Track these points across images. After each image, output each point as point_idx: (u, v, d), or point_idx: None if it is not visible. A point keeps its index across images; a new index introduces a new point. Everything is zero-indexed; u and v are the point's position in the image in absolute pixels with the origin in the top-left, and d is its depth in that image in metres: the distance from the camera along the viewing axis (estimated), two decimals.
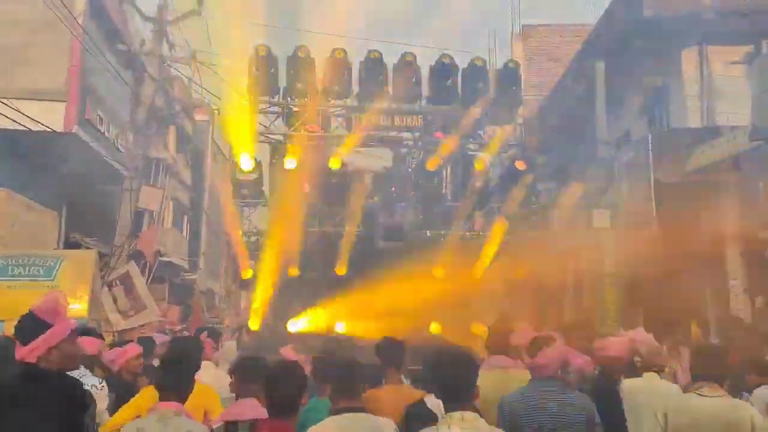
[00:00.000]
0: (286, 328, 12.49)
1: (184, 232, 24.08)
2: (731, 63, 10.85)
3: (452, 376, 2.71)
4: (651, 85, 11.72)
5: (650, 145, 9.72)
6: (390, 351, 4.22)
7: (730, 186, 9.45)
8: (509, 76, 13.13)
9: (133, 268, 7.31)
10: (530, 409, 3.18)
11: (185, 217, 23.89)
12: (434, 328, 12.87)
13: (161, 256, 18.96)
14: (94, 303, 5.93)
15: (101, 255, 7.46)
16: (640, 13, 10.60)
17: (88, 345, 4.28)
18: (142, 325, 6.88)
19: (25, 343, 2.71)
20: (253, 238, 13.21)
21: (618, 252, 9.50)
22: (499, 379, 3.77)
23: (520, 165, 12.70)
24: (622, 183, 10.43)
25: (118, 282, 7.17)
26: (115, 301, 6.97)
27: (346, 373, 3.21)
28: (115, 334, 6.91)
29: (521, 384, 3.48)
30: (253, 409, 3.17)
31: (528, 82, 21.91)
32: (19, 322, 2.77)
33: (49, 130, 10.49)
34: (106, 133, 12.38)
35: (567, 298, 13.36)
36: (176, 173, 21.30)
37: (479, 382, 2.75)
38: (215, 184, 27.83)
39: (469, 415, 2.59)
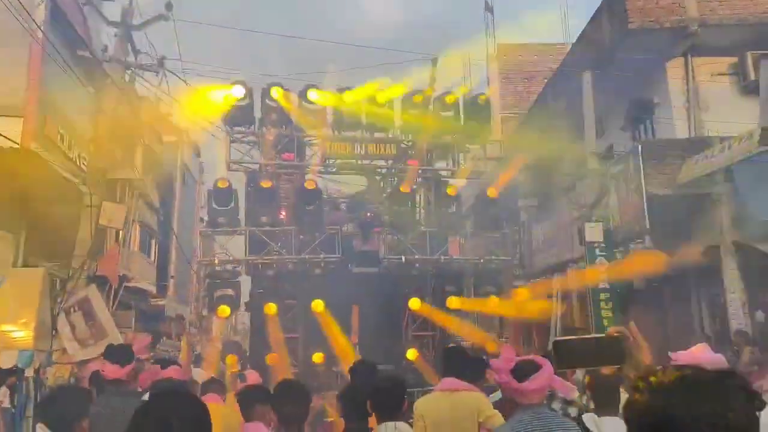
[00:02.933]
0: (261, 355, 11.92)
1: (152, 257, 23.09)
2: (717, 74, 10.75)
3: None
4: (636, 98, 11.54)
5: (641, 156, 9.43)
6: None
7: (723, 197, 9.22)
8: (479, 107, 13.39)
9: (93, 292, 6.57)
10: None
11: (153, 241, 22.94)
12: (411, 354, 12.53)
13: (127, 281, 18.05)
14: (43, 330, 5.19)
15: (59, 279, 6.76)
16: (625, 25, 10.44)
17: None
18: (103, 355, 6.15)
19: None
20: (229, 266, 12.82)
21: (612, 266, 9.13)
22: (443, 400, 4.12)
23: (491, 192, 12.74)
24: (612, 196, 10.13)
25: (76, 307, 6.43)
26: (73, 328, 6.23)
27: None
28: (74, 366, 6.17)
29: (467, 406, 3.99)
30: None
31: (504, 101, 21.91)
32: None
33: (2, 147, 9.70)
34: (68, 152, 11.62)
35: (555, 317, 12.96)
36: (144, 195, 20.46)
37: (427, 403, 3.55)
38: (185, 207, 26.97)
39: (401, 425, 3.23)
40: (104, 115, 7.87)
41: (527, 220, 16.72)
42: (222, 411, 4.25)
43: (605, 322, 8.93)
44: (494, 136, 21.06)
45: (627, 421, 1.18)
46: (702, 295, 9.80)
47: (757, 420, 1.13)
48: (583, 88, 10.71)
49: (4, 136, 9.73)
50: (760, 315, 8.70)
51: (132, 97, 8.05)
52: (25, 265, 13.16)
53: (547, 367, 3.08)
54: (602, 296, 9.00)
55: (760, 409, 1.15)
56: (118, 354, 4.25)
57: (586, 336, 1.66)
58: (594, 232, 8.97)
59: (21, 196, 12.46)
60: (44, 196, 12.13)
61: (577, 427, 3.19)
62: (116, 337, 6.40)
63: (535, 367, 3.08)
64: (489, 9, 21.73)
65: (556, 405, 3.92)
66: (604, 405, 3.64)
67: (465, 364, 4.41)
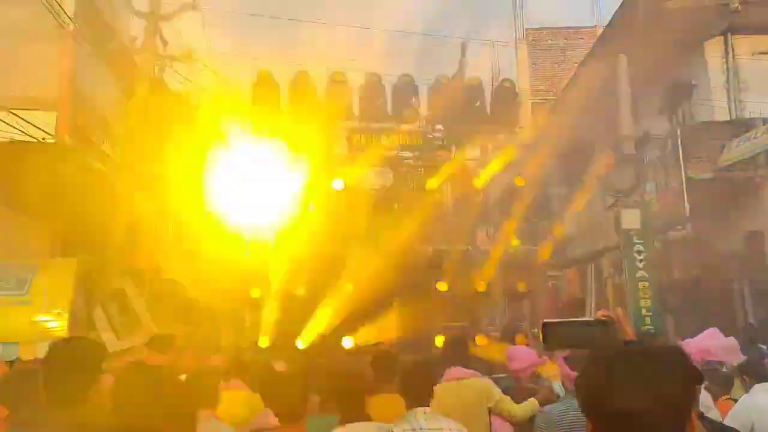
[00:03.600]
0: (295, 345, 12.06)
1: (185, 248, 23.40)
2: (758, 53, 10.31)
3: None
4: (673, 80, 11.15)
5: (680, 139, 9.11)
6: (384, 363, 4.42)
7: (766, 180, 8.86)
8: (505, 93, 13.04)
9: (128, 284, 6.64)
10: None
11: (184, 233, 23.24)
12: (439, 341, 12.55)
13: (161, 273, 18.29)
14: (78, 321, 5.21)
15: (95, 271, 6.85)
16: (661, 3, 10.06)
17: None
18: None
19: None
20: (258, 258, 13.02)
21: (650, 253, 8.86)
22: (450, 389, 4.22)
23: (519, 181, 12.66)
24: (649, 182, 9.82)
25: (111, 298, 6.50)
26: (109, 319, 6.30)
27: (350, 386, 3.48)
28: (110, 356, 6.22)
29: (475, 392, 4.28)
30: (268, 418, 3.39)
31: (534, 87, 21.51)
32: None
33: (37, 140, 9.86)
34: (102, 145, 11.76)
35: (589, 307, 12.71)
36: (175, 186, 20.67)
37: (437, 391, 3.43)
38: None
39: (428, 410, 3.32)
40: (135, 107, 7.91)
41: (559, 208, 16.40)
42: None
43: (643, 311, 8.67)
44: (524, 122, 20.78)
45: (577, 388, 1.28)
46: (745, 282, 9.45)
47: (693, 391, 1.26)
48: (617, 71, 10.37)
49: (41, 129, 9.90)
50: None
51: (163, 89, 8.09)
52: (61, 257, 13.47)
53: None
54: (641, 285, 8.72)
55: (698, 383, 1.30)
56: (160, 343, 4.68)
57: (575, 319, 1.74)
58: (631, 219, 8.69)
59: (56, 188, 12.73)
60: (79, 188, 12.34)
61: None
62: (150, 329, 6.46)
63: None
64: None
65: None
66: None
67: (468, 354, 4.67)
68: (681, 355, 1.26)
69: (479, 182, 13.26)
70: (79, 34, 9.72)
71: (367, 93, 12.53)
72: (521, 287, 13.14)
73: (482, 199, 14.01)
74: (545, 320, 1.70)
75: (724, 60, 10.31)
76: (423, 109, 13.06)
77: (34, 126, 9.85)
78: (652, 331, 8.28)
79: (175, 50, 8.16)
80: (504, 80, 13.61)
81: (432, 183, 12.78)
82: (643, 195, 9.80)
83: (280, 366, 5.15)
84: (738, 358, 4.21)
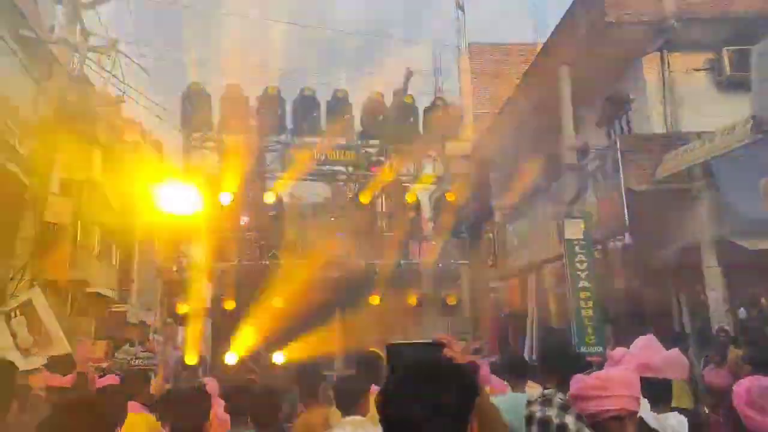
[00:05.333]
0: (223, 360, 11.67)
1: (113, 261, 22.13)
2: (693, 70, 10.63)
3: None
4: (611, 93, 11.35)
5: (619, 151, 9.20)
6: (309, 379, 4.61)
7: (702, 193, 9.05)
8: (437, 111, 13.80)
9: (36, 296, 5.94)
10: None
11: (114, 245, 21.97)
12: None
13: (86, 286, 17.14)
14: None
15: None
16: (602, 19, 10.22)
17: None
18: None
19: None
20: (188, 273, 12.64)
21: (591, 263, 8.87)
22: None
23: (449, 197, 13.22)
24: (590, 192, 9.88)
25: (17, 312, 5.79)
26: (14, 335, 5.60)
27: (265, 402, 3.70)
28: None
29: None
30: None
31: (476, 100, 21.71)
32: None
33: None
34: (16, 144, 10.84)
35: (531, 317, 12.71)
36: (103, 196, 19.54)
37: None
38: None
39: (359, 419, 3.37)
40: (51, 102, 7.22)
41: (501, 221, 16.47)
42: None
43: (585, 321, 8.65)
44: (465, 135, 20.93)
45: (376, 403, 1.46)
46: (682, 293, 9.61)
47: (469, 402, 1.44)
48: (559, 81, 10.46)
49: None
50: (742, 312, 8.53)
51: (82, 83, 7.44)
52: None
53: (484, 366, 3.60)
54: (582, 295, 8.71)
55: (475, 394, 1.47)
56: (60, 365, 4.50)
57: (417, 341, 1.84)
58: (574, 229, 8.69)
59: None
60: None
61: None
62: (63, 345, 5.80)
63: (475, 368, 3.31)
64: (460, 7, 21.52)
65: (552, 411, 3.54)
66: None
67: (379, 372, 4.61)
68: (460, 373, 1.50)
69: (411, 197, 13.45)
70: None
71: (301, 107, 12.65)
72: (450, 300, 13.46)
73: (414, 214, 14.26)
74: (388, 343, 1.79)
75: (661, 75, 10.56)
76: (357, 124, 13.28)
77: None
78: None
79: (97, 41, 7.53)
80: (437, 98, 13.97)
81: (365, 197, 12.88)
82: (584, 205, 9.85)
83: (210, 382, 5.03)
84: (684, 374, 3.91)
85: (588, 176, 9.86)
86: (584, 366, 3.75)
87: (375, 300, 12.73)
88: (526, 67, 15.36)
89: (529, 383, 4.23)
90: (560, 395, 3.42)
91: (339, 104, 12.85)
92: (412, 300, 13.17)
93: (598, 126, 11.94)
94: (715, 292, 8.63)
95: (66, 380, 4.08)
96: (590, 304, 8.67)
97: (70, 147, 13.79)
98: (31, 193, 7.02)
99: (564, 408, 3.43)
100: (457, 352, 1.77)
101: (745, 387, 2.33)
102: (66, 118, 7.42)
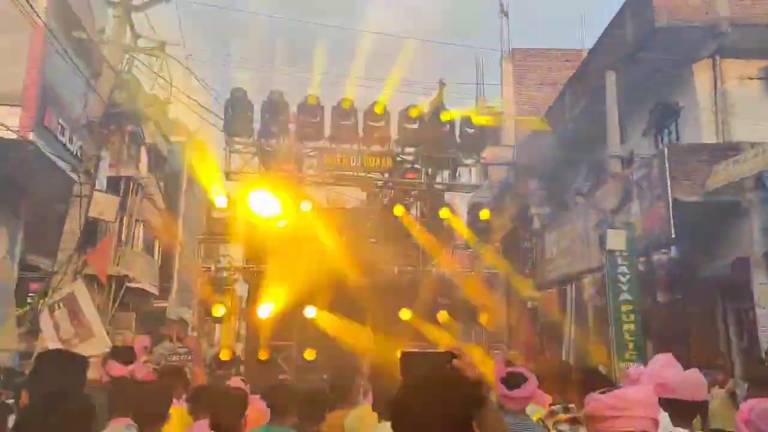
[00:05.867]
0: (257, 358, 11.90)
1: (156, 258, 22.69)
2: (746, 78, 10.22)
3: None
4: (660, 101, 11.01)
5: (667, 160, 8.90)
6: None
7: (753, 206, 8.67)
8: (472, 125, 13.53)
9: (79, 289, 6.09)
10: None
11: (157, 242, 22.53)
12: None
13: (129, 281, 17.62)
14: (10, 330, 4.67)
15: (47, 274, 6.32)
16: (651, 23, 9.93)
17: None
18: (89, 357, 5.64)
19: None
20: (225, 274, 13.00)
21: (634, 275, 8.59)
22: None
23: (483, 215, 13.08)
24: (635, 202, 9.59)
25: (60, 305, 5.95)
26: (57, 328, 5.76)
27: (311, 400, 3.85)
28: None
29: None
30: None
31: (518, 107, 21.45)
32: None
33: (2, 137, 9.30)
34: (68, 144, 11.23)
35: (568, 330, 12.41)
36: (148, 194, 20.08)
37: None
38: (190, 209, 26.61)
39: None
40: (100, 102, 7.43)
41: (540, 229, 16.18)
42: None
43: (626, 336, 8.37)
44: (507, 141, 20.68)
45: (391, 407, 1.62)
46: (729, 309, 9.22)
47: (469, 411, 1.57)
48: (605, 87, 10.19)
49: (5, 126, 9.34)
50: None
51: (131, 84, 7.64)
52: (22, 262, 12.78)
53: (533, 380, 3.47)
54: (624, 308, 8.44)
55: (476, 406, 1.62)
56: (122, 354, 4.79)
57: (431, 351, 1.97)
58: (617, 240, 8.43)
59: (19, 189, 12.09)
60: (42, 189, 11.73)
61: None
62: (103, 338, 5.93)
63: (524, 379, 3.45)
64: (504, 12, 21.32)
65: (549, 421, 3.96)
66: None
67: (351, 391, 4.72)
68: (465, 384, 1.67)
69: (445, 208, 13.53)
70: (47, 29, 9.23)
71: (339, 115, 12.92)
72: (482, 319, 13.35)
73: (449, 221, 14.25)
74: (403, 350, 1.88)
75: (713, 83, 10.19)
76: (393, 133, 13.50)
77: None
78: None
79: (146, 43, 7.73)
80: (472, 112, 13.93)
81: (398, 209, 13.10)
82: (627, 215, 9.56)
83: (235, 382, 5.13)
84: (703, 397, 3.62)
85: (632, 186, 9.57)
86: None
87: (406, 313, 12.61)
88: (571, 74, 15.09)
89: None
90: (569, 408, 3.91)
91: (376, 115, 13.16)
92: (443, 313, 12.95)
93: (645, 135, 11.61)
94: (765, 310, 8.24)
95: (128, 370, 4.43)
96: (632, 317, 8.39)
97: (118, 146, 14.24)
98: (77, 189, 7.24)
99: (574, 422, 3.82)
100: (467, 363, 1.87)
101: (749, 406, 2.42)
102: (114, 117, 7.63)
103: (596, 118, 11.55)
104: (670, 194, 8.84)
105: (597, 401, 2.16)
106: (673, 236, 8.78)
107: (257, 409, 4.06)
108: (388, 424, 3.45)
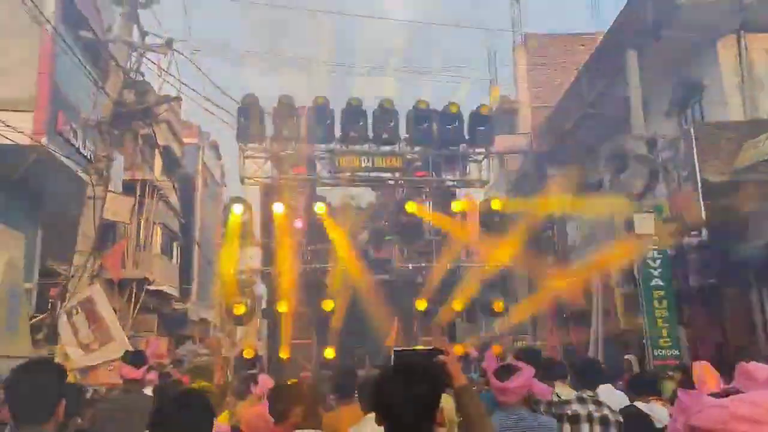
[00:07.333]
0: (279, 356, 11.94)
1: (174, 260, 22.72)
2: None
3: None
4: (682, 80, 10.65)
5: (694, 140, 8.58)
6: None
7: None
8: (481, 118, 13.65)
9: (97, 292, 5.98)
10: None
11: (175, 244, 22.56)
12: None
13: (149, 284, 17.63)
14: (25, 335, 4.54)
15: (65, 278, 6.25)
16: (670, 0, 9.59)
17: None
18: (111, 361, 5.57)
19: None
20: (243, 276, 13.23)
21: (667, 261, 8.30)
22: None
23: (495, 205, 13.08)
24: (661, 185, 9.28)
25: (78, 309, 5.85)
26: (75, 332, 5.66)
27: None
28: (77, 373, 5.60)
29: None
30: None
31: (532, 93, 21.07)
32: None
33: (12, 142, 9.25)
34: (81, 149, 11.17)
35: (596, 317, 12.10)
36: (164, 197, 20.07)
37: None
38: (207, 210, 26.63)
39: None
40: (109, 102, 7.31)
41: (561, 218, 15.86)
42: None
43: (660, 323, 8.09)
44: (523, 129, 20.34)
45: (368, 393, 2.20)
46: (765, 292, 8.88)
47: (437, 393, 1.94)
48: (626, 68, 9.85)
49: (18, 131, 9.28)
50: None
51: (140, 83, 7.51)
52: (43, 268, 12.79)
53: (527, 370, 3.41)
54: (656, 294, 8.15)
55: (442, 388, 2.03)
56: (134, 358, 4.77)
57: (421, 348, 2.35)
58: (645, 224, 8.14)
59: (35, 194, 12.09)
60: (58, 194, 11.71)
61: (553, 425, 3.48)
62: (123, 341, 5.82)
63: (516, 370, 3.41)
64: None
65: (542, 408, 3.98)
66: None
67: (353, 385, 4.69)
68: (430, 371, 1.98)
69: (457, 206, 13.63)
70: (57, 34, 9.14)
71: (348, 116, 13.11)
72: (497, 307, 13.38)
73: (462, 216, 14.21)
74: (396, 348, 2.19)
75: (738, 59, 9.81)
76: (402, 132, 13.62)
77: (8, 127, 9.26)
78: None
79: (153, 40, 7.59)
80: (480, 106, 13.86)
81: (410, 206, 13.17)
82: (654, 199, 9.26)
83: (263, 379, 5.23)
84: None
85: (658, 168, 9.25)
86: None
87: (422, 304, 12.66)
88: (586, 58, 14.72)
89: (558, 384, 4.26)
90: (589, 392, 4.12)
91: (385, 113, 13.29)
92: (458, 304, 13.02)
93: (667, 116, 11.24)
94: None
95: (139, 373, 4.46)
96: (664, 304, 8.11)
97: (132, 149, 14.23)
98: (90, 191, 7.14)
99: (598, 403, 3.96)
100: (450, 358, 2.26)
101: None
102: (124, 117, 7.51)
103: (616, 100, 11.21)
104: (698, 175, 8.52)
105: (717, 408, 1.35)
106: (704, 218, 8.47)
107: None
108: (372, 416, 3.50)
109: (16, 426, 2.42)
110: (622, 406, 4.38)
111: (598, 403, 3.96)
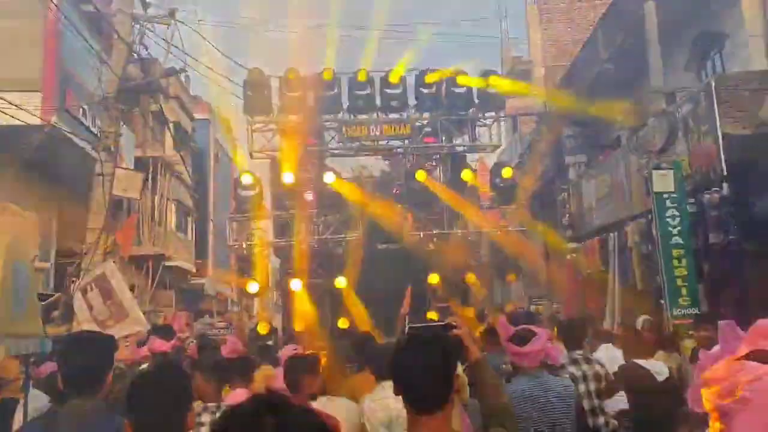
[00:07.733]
0: (294, 329, 12.22)
1: (190, 235, 22.87)
2: None
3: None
4: (702, 31, 10.25)
5: (714, 92, 8.26)
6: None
7: None
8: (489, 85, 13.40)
9: (110, 269, 5.97)
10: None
11: (189, 219, 22.68)
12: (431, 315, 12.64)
13: (165, 259, 17.78)
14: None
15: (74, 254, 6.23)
16: None
17: None
18: (126, 337, 5.58)
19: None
20: (256, 250, 13.35)
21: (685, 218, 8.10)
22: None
23: (506, 173, 13.08)
24: (681, 141, 9.00)
25: (93, 286, 5.85)
26: (90, 308, 5.68)
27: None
28: None
29: None
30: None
31: (545, 51, 20.54)
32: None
33: (22, 122, 9.22)
34: (90, 126, 11.12)
35: (612, 280, 11.96)
36: (177, 173, 20.08)
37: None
38: (219, 184, 26.66)
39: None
40: (113, 77, 7.20)
41: (576, 178, 15.58)
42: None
43: (679, 282, 7.93)
44: (536, 88, 19.88)
45: (389, 363, 2.11)
46: None
47: (452, 363, 2.01)
48: (644, 20, 9.48)
49: (24, 110, 9.24)
50: None
51: (144, 59, 7.39)
52: (59, 250, 12.90)
53: (543, 333, 3.50)
54: (675, 253, 7.97)
55: (456, 358, 2.13)
56: (163, 331, 5.06)
57: (434, 323, 2.64)
58: (665, 181, 7.91)
59: (47, 175, 12.11)
60: (69, 173, 11.71)
61: (573, 384, 3.65)
62: (138, 318, 5.83)
63: (532, 334, 3.46)
64: None
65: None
66: None
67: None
68: (445, 341, 2.09)
69: (467, 175, 13.43)
70: (58, 6, 8.99)
71: (355, 86, 12.97)
72: (511, 278, 13.61)
73: (473, 182, 14.10)
74: (410, 325, 2.33)
75: (762, 6, 9.38)
76: (410, 99, 13.47)
77: (18, 107, 9.22)
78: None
79: (156, 11, 7.43)
80: (490, 73, 13.56)
81: (420, 175, 13.12)
82: (674, 155, 8.99)
83: (287, 350, 5.25)
84: None
85: (678, 122, 8.95)
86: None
87: (434, 278, 12.61)
88: (601, 13, 14.23)
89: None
90: (578, 352, 4.58)
91: (391, 82, 13.19)
92: (472, 275, 13.15)
93: (686, 69, 10.86)
94: None
95: (168, 346, 4.67)
96: (684, 262, 7.92)
97: (142, 126, 14.16)
98: (99, 168, 7.08)
99: (588, 361, 4.51)
100: (463, 332, 2.31)
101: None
102: (130, 92, 7.40)
103: (634, 54, 10.84)
104: (719, 129, 8.23)
105: (724, 362, 1.41)
106: (725, 173, 8.21)
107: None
108: (386, 383, 3.43)
109: (63, 397, 2.47)
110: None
111: (588, 361, 4.52)
